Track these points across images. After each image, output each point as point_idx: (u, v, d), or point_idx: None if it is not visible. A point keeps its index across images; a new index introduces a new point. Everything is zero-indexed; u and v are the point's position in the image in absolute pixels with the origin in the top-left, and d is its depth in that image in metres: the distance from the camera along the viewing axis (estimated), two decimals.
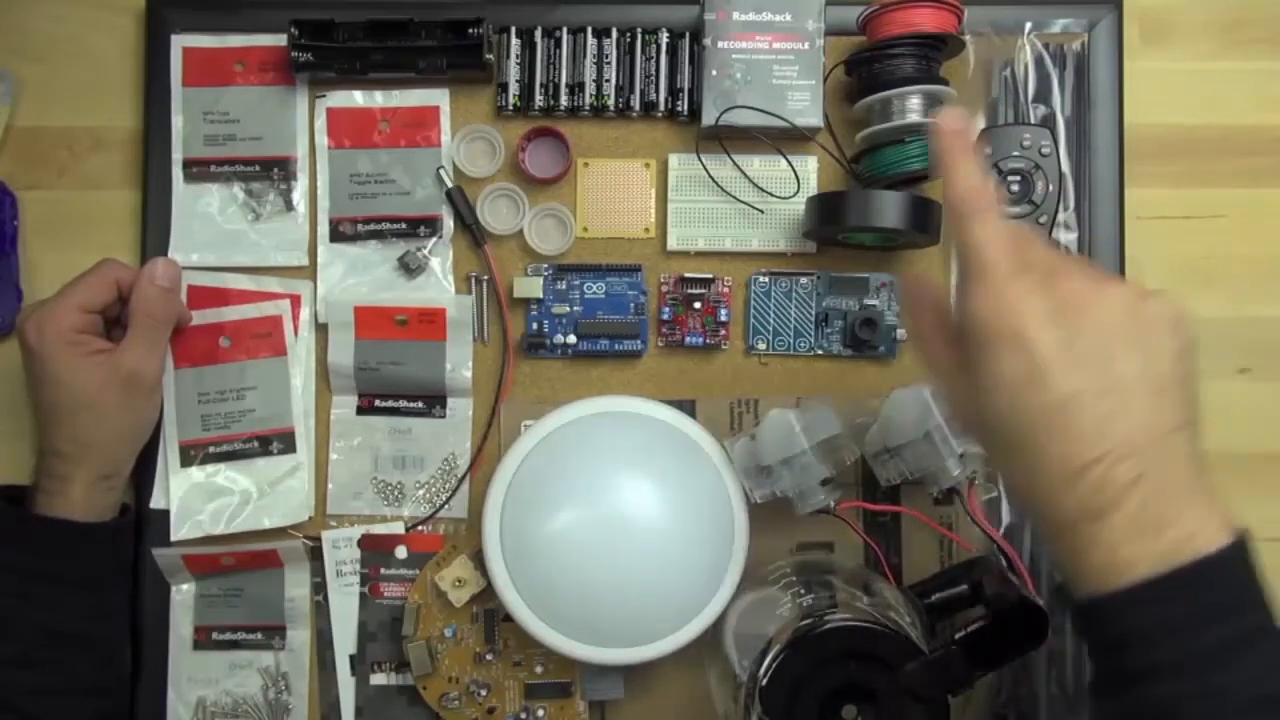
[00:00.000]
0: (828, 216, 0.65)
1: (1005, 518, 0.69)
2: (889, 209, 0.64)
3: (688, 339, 0.71)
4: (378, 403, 0.71)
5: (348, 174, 0.71)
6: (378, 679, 0.70)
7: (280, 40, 0.70)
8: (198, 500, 0.70)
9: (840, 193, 0.67)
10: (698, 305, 0.70)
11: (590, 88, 0.70)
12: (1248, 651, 0.44)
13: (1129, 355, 0.46)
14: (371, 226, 0.71)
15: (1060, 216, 0.69)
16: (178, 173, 0.71)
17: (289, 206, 0.72)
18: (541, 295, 0.70)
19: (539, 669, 0.69)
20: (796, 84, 0.67)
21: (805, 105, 0.68)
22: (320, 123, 0.71)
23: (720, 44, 0.67)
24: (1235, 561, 0.45)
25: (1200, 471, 0.46)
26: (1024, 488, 0.48)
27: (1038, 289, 0.47)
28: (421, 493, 0.71)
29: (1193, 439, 0.46)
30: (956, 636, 0.57)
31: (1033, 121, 0.70)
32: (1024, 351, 0.46)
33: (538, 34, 0.70)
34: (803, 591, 0.63)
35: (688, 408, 0.70)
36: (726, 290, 0.71)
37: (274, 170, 0.71)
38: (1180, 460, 0.46)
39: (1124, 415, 0.45)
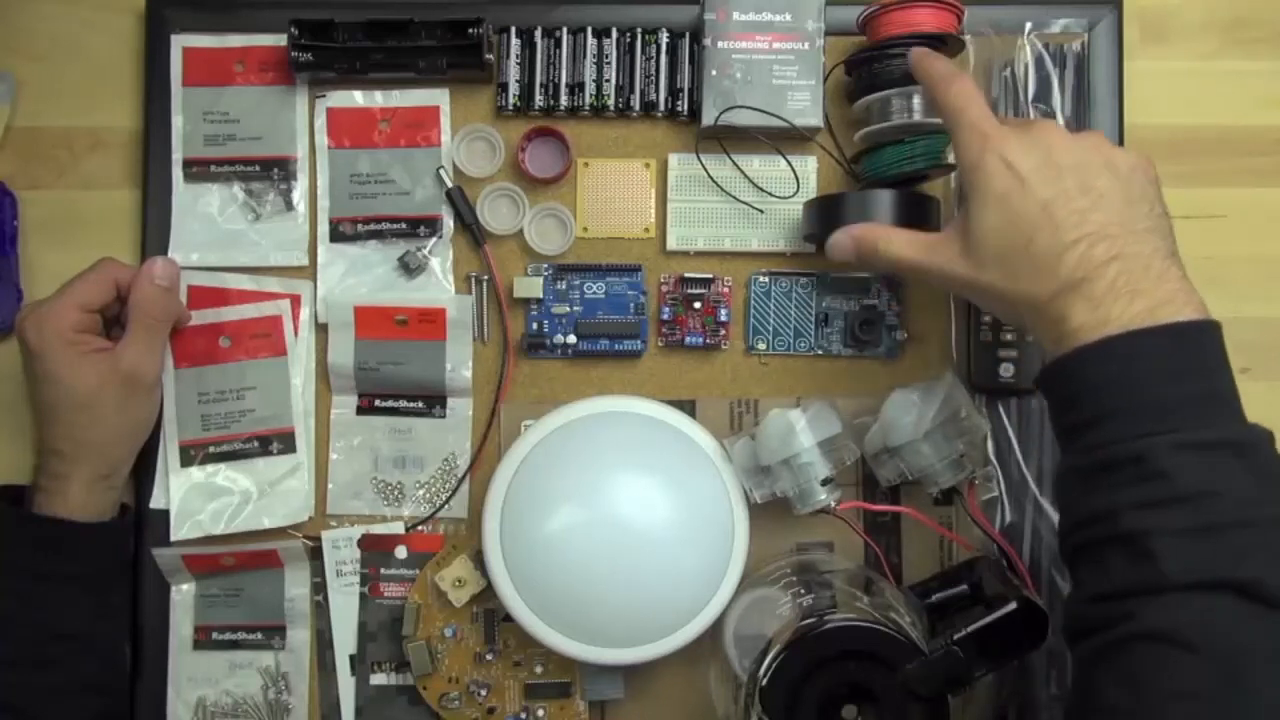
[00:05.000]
0: (827, 218, 0.65)
1: (1005, 517, 0.69)
2: (881, 207, 0.64)
3: (688, 339, 0.71)
4: (378, 403, 0.71)
5: (348, 174, 0.71)
6: (378, 679, 0.70)
7: (280, 40, 0.70)
8: (198, 500, 0.70)
9: (839, 195, 0.67)
10: (698, 305, 0.70)
11: (590, 88, 0.70)
12: (1185, 408, 0.49)
13: (1100, 174, 0.54)
14: (371, 226, 0.71)
15: None
16: (178, 173, 0.71)
17: (289, 206, 0.72)
18: (541, 295, 0.70)
19: (539, 669, 0.69)
20: (796, 84, 0.68)
21: (805, 105, 0.68)
22: (320, 123, 0.71)
23: (720, 44, 0.67)
24: (1197, 335, 0.50)
25: (1176, 265, 0.52)
26: (1015, 284, 0.54)
27: (1015, 131, 0.55)
28: (421, 493, 0.71)
29: (1166, 241, 0.53)
30: (956, 636, 0.57)
31: None
32: (1009, 171, 0.54)
33: (538, 34, 0.70)
34: (803, 591, 0.63)
35: (688, 408, 0.70)
36: (726, 290, 0.71)
37: (274, 170, 0.71)
38: (1154, 250, 0.52)
39: (1099, 210, 0.52)
